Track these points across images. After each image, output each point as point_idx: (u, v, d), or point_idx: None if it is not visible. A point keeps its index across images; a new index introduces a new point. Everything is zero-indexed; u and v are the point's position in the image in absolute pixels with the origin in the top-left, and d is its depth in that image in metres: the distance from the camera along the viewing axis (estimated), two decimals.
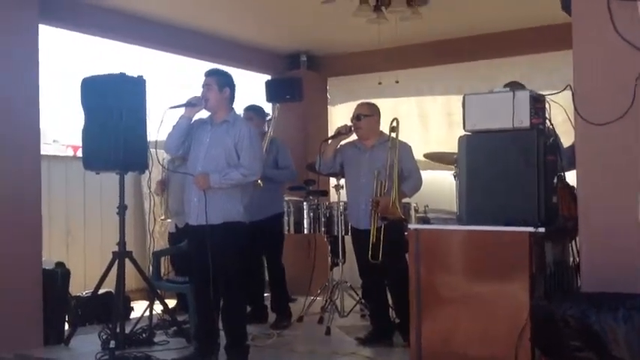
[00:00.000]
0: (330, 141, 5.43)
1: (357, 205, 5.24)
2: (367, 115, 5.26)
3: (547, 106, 3.68)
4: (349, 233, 6.12)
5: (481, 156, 3.65)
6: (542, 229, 3.33)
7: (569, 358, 2.59)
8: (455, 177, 5.41)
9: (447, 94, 7.07)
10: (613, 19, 3.22)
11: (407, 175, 5.15)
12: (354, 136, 5.37)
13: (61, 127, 8.31)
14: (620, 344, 2.47)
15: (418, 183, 5.20)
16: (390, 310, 5.35)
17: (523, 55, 6.67)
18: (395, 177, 4.99)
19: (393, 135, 5.10)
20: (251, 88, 8.12)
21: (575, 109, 3.33)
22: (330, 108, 8.24)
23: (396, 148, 5.06)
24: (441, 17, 6.23)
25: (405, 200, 5.29)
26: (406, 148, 5.23)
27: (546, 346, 2.76)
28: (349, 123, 5.31)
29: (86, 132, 5.20)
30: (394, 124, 5.11)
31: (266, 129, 6.20)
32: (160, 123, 4.67)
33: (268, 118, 6.39)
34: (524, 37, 6.69)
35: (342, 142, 5.41)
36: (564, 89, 3.45)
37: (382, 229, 4.96)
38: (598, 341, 2.49)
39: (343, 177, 5.59)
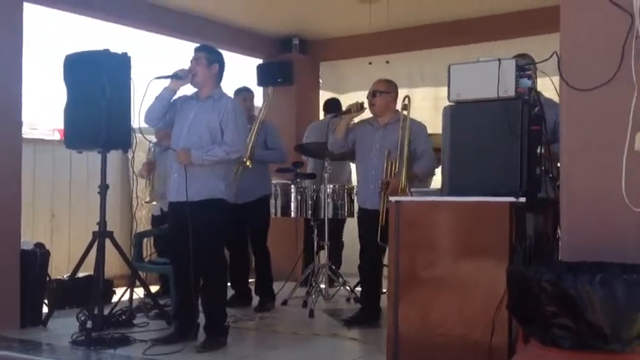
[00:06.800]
0: (341, 118, 5.28)
1: (365, 185, 5.12)
2: (383, 91, 5.12)
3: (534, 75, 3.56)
4: (338, 217, 6.07)
5: (465, 126, 3.53)
6: (523, 199, 3.21)
7: (545, 325, 2.47)
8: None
9: (437, 78, 6.96)
10: None
11: (420, 156, 5.02)
12: (368, 114, 5.24)
13: (47, 110, 8.24)
14: (597, 309, 2.34)
15: (431, 164, 5.07)
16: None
17: (515, 38, 6.56)
18: (405, 157, 4.86)
19: (405, 113, 4.96)
20: (241, 72, 8.06)
21: (561, 75, 3.21)
22: (322, 92, 8.15)
23: (407, 127, 4.92)
24: (431, 0, 6.16)
25: None
26: (420, 128, 5.08)
27: (523, 314, 2.64)
28: (360, 101, 5.19)
29: (68, 110, 5.08)
30: (406, 102, 4.97)
31: (255, 112, 6.11)
32: (144, 94, 4.54)
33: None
34: (515, 20, 6.62)
35: (356, 120, 5.28)
36: (551, 56, 3.33)
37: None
38: (574, 306, 2.37)
39: (354, 159, 5.44)
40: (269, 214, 6.05)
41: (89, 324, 4.67)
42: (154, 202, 6.34)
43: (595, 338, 2.39)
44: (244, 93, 6.06)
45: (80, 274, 5.48)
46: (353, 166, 6.88)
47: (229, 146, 4.51)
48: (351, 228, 6.54)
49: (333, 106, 7.13)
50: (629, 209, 2.93)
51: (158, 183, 6.28)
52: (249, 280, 6.21)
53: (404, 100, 5.01)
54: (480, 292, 3.26)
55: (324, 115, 7.16)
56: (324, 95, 8.10)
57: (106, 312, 5.06)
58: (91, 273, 5.37)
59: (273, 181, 6.18)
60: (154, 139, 6.18)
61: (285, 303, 6.00)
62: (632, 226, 2.96)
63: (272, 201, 6.11)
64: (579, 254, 2.97)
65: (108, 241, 5.05)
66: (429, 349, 3.39)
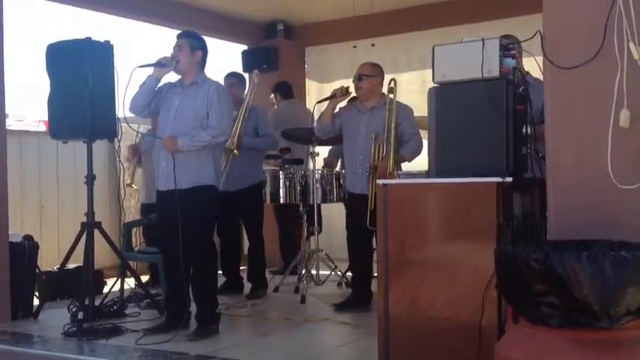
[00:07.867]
0: (326, 103, 5.28)
1: (353, 169, 5.11)
2: (369, 75, 5.09)
3: (518, 55, 3.55)
4: (327, 202, 6.07)
5: (450, 108, 3.51)
6: (509, 179, 3.21)
7: (533, 303, 2.48)
8: None
9: (423, 61, 6.94)
10: None
11: (407, 139, 5.01)
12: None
13: (34, 102, 8.17)
14: (585, 287, 2.35)
15: (418, 147, 5.05)
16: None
17: (500, 19, 6.54)
18: (392, 141, 4.85)
19: (391, 96, 4.95)
20: (227, 59, 8.02)
21: (544, 53, 3.20)
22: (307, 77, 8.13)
23: (393, 111, 4.91)
24: None
25: None
26: (407, 111, 5.08)
27: (512, 293, 2.65)
28: (345, 85, 5.18)
29: (52, 100, 5.03)
30: (392, 84, 4.96)
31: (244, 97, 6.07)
32: (128, 83, 4.52)
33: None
34: (500, 1, 6.57)
35: (341, 104, 5.26)
36: (534, 35, 3.32)
37: None
38: (562, 284, 2.37)
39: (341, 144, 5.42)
40: (262, 201, 6.02)
41: (80, 315, 4.65)
42: (134, 186, 6.31)
43: (584, 315, 2.40)
44: (232, 79, 6.04)
45: (70, 266, 5.47)
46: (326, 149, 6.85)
47: (214, 129, 4.48)
48: (340, 213, 6.55)
49: (282, 88, 7.07)
50: (615, 186, 2.94)
51: (148, 170, 6.24)
52: (241, 268, 6.20)
53: (390, 84, 4.99)
54: (468, 273, 3.26)
55: (276, 99, 7.08)
56: (310, 80, 8.08)
57: (97, 303, 5.05)
58: (81, 264, 5.36)
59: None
60: (140, 128, 6.14)
61: (276, 290, 6.00)
62: (618, 203, 2.97)
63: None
64: (567, 233, 2.98)
65: (97, 232, 5.02)
66: (420, 331, 3.38)
